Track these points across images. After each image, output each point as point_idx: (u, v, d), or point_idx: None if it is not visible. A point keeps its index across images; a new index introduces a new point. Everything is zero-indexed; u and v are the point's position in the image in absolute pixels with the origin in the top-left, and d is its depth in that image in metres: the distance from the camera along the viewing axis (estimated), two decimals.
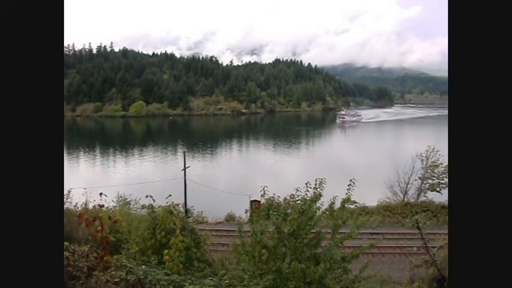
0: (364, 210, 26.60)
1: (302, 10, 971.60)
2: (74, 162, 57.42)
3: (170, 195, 8.26)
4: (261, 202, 22.05)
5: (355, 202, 7.56)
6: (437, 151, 31.69)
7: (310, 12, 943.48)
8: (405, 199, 30.94)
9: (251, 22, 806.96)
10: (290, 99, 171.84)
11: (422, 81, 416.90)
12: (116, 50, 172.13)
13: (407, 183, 31.67)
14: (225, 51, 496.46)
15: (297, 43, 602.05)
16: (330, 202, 7.25)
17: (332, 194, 7.25)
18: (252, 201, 25.37)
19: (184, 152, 31.51)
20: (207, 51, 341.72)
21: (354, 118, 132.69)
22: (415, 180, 31.73)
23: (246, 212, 24.69)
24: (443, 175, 30.44)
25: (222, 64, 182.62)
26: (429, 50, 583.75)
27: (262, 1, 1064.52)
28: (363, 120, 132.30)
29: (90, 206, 18.34)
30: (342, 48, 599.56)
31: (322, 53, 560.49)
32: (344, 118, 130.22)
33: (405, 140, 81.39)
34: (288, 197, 24.28)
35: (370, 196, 28.53)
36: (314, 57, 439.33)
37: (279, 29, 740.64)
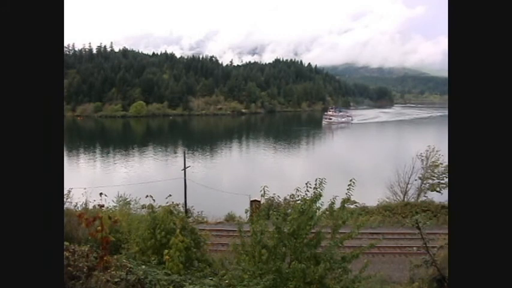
0: (364, 210, 26.57)
1: (305, 10, 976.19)
2: (74, 162, 57.46)
3: (170, 195, 8.26)
4: (261, 202, 22.09)
5: (355, 202, 7.56)
6: (437, 151, 31.74)
7: (313, 12, 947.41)
8: (405, 199, 30.95)
9: (253, 22, 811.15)
10: (290, 99, 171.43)
11: (422, 81, 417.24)
12: (116, 50, 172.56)
13: (408, 183, 31.70)
14: (227, 51, 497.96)
15: (299, 43, 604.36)
16: (329, 202, 7.24)
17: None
18: (252, 201, 25.35)
19: (184, 152, 31.48)
20: (209, 51, 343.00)
21: (343, 119, 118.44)
22: (415, 180, 31.75)
23: (246, 212, 24.58)
24: (443, 175, 30.47)
25: (222, 64, 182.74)
26: (431, 49, 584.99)
27: (265, 1, 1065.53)
28: (354, 121, 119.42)
29: (90, 206, 18.32)
30: (344, 48, 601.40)
31: (324, 52, 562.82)
32: (331, 119, 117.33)
33: (404, 147, 61.12)
34: (288, 197, 24.31)
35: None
36: (316, 57, 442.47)
37: (281, 28, 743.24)
